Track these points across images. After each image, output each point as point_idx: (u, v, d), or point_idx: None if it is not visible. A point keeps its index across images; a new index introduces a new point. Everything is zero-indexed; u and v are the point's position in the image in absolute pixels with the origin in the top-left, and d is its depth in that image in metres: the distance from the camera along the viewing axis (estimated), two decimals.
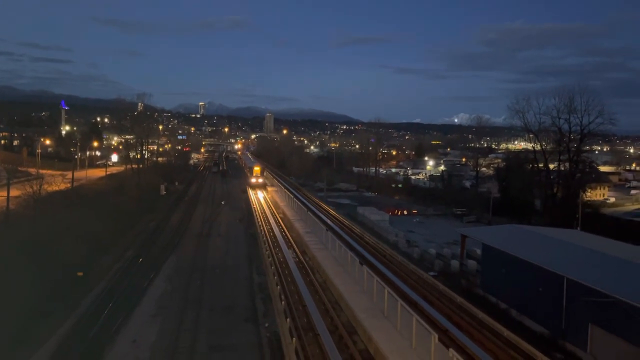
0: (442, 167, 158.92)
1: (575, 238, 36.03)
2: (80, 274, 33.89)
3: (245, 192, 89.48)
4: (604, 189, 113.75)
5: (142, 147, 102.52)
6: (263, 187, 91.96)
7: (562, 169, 75.91)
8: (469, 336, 23.12)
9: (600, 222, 61.52)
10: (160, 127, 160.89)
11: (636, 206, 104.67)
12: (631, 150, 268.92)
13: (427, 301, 28.41)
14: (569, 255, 30.47)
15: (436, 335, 19.31)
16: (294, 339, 22.34)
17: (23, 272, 28.31)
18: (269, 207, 69.12)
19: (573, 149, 73.74)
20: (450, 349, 18.31)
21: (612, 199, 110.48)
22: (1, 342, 22.44)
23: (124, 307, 28.82)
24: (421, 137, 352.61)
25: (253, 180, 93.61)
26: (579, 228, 51.26)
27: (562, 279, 26.63)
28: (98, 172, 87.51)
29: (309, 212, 55.79)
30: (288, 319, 24.69)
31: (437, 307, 27.44)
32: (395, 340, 21.64)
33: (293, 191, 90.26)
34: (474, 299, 31.76)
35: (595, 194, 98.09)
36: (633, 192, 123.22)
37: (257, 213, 63.39)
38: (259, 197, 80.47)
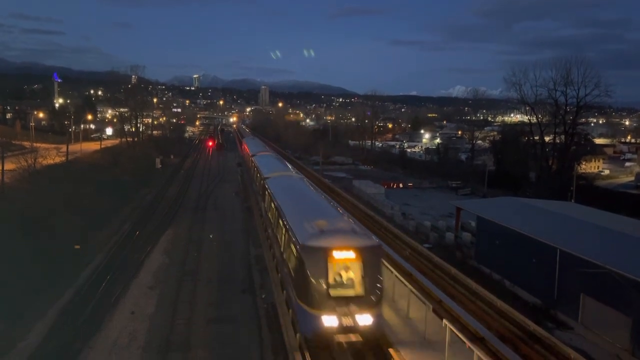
0: (438, 140, 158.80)
1: (569, 210, 36.33)
2: (77, 246, 33.98)
3: (242, 165, 77.75)
4: (598, 161, 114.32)
5: (136, 120, 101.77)
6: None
7: (558, 141, 76.17)
8: (463, 307, 23.49)
9: (594, 194, 62.00)
10: (155, 100, 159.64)
11: (630, 178, 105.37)
12: (627, 123, 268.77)
13: (422, 272, 28.74)
14: (563, 227, 30.77)
15: (430, 306, 19.59)
16: (290, 310, 22.61)
17: (19, 246, 28.39)
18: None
19: (569, 121, 73.88)
20: (444, 320, 18.61)
21: (607, 171, 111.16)
22: None
23: (122, 279, 29.04)
24: (417, 110, 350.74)
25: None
26: (573, 200, 51.64)
27: (555, 250, 26.97)
28: (93, 146, 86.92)
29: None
30: (284, 291, 24.93)
31: (432, 278, 27.79)
32: (390, 311, 21.94)
33: None
34: (468, 270, 32.17)
35: (590, 167, 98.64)
36: (627, 164, 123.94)
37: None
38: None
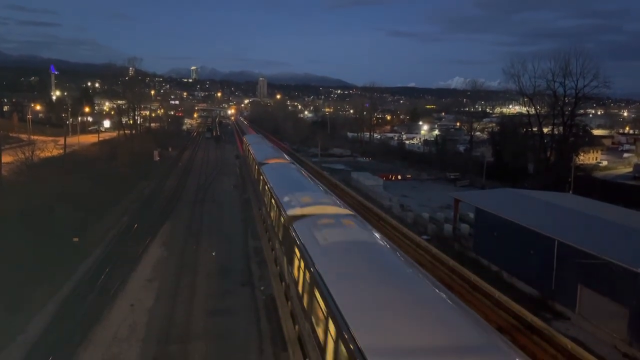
0: (436, 132, 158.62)
1: (567, 201, 36.39)
2: (76, 239, 33.97)
3: (240, 157, 78.38)
4: (597, 152, 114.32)
5: (134, 112, 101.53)
6: None
7: (556, 132, 76.22)
8: (461, 298, 23.53)
9: (592, 185, 62.08)
10: (152, 92, 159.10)
11: (628, 169, 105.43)
12: (625, 114, 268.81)
13: (420, 264, 28.77)
14: (560, 218, 30.84)
15: None
16: (289, 302, 22.68)
17: (17, 239, 28.37)
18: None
19: (567, 112, 73.88)
20: None
21: (605, 162, 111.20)
22: None
23: (121, 272, 29.06)
24: (416, 102, 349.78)
25: None
26: (571, 191, 51.72)
27: (553, 241, 27.03)
28: (90, 138, 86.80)
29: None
30: (283, 283, 25.00)
31: (430, 270, 27.83)
32: None
33: None
34: (466, 261, 32.26)
35: (588, 158, 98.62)
36: (626, 155, 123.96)
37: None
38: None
